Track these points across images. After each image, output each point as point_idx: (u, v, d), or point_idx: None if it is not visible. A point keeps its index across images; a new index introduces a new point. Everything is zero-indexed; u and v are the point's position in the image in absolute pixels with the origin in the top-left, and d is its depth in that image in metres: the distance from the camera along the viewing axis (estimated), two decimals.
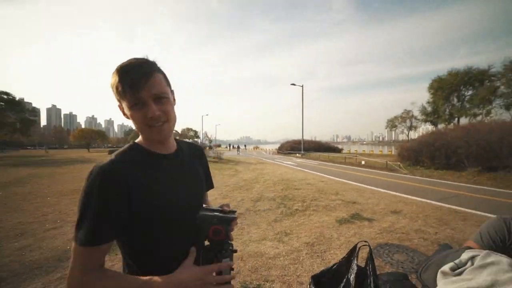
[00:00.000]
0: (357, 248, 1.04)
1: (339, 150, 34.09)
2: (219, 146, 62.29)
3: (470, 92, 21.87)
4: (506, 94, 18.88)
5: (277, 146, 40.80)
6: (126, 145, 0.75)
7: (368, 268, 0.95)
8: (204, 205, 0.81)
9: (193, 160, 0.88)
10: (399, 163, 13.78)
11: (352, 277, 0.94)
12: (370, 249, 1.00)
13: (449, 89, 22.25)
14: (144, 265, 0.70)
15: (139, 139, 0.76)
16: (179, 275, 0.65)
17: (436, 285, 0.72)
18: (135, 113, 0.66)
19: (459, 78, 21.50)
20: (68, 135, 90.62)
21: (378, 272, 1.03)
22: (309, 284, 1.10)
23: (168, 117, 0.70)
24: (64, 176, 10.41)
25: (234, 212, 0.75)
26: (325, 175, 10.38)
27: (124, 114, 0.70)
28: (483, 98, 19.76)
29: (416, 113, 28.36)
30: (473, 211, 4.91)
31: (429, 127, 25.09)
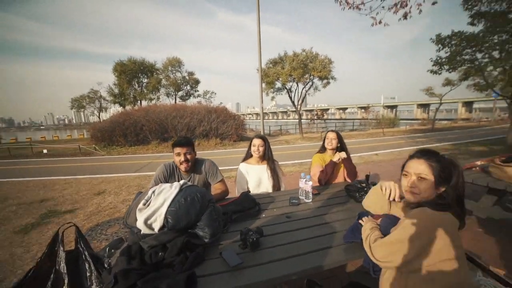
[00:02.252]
0: (60, 235, 0.93)
1: None
2: None
3: (146, 80, 26.71)
4: (166, 85, 26.11)
5: None
6: None
7: (79, 246, 0.92)
8: None
9: None
10: (94, 145, 13.35)
11: (62, 265, 0.84)
12: (76, 227, 0.96)
13: (130, 75, 25.27)
14: None
15: None
16: None
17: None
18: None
19: (137, 66, 25.18)
20: None
21: (96, 251, 1.03)
22: None
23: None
24: None
25: None
26: None
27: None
28: (154, 86, 25.43)
29: (105, 94, 28.46)
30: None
31: (118, 108, 26.82)
